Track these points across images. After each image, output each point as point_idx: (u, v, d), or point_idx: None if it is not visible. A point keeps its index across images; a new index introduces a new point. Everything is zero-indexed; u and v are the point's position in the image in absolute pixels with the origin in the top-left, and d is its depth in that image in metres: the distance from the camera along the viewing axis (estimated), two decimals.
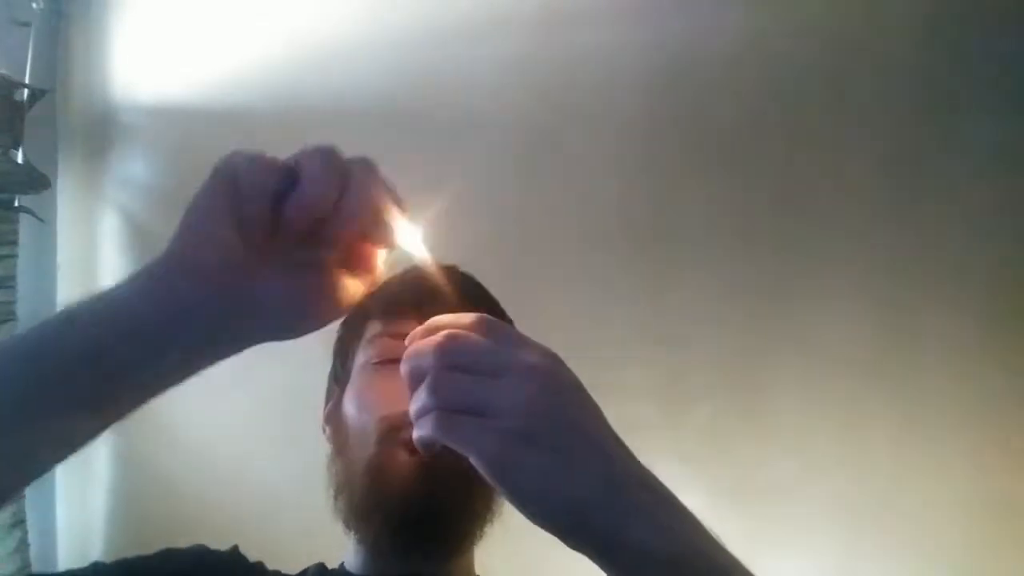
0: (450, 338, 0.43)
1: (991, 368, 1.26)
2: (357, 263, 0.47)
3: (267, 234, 0.43)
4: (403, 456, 0.60)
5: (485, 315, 0.45)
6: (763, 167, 1.36)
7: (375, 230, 0.44)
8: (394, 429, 0.60)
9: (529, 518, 0.41)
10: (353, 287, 0.47)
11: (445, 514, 0.61)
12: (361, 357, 0.69)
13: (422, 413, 0.43)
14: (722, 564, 0.42)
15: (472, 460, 0.41)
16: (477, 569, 0.69)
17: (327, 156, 0.42)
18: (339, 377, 0.72)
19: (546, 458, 0.40)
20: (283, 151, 0.44)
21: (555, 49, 1.40)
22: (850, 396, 1.30)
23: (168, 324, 0.42)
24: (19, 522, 1.41)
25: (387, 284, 0.68)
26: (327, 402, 0.73)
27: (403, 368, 0.45)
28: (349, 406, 0.67)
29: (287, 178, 0.42)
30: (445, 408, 0.41)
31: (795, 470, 1.31)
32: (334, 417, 0.70)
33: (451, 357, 0.42)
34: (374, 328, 0.69)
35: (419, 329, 0.47)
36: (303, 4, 1.50)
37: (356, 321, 0.71)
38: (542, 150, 1.42)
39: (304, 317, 0.46)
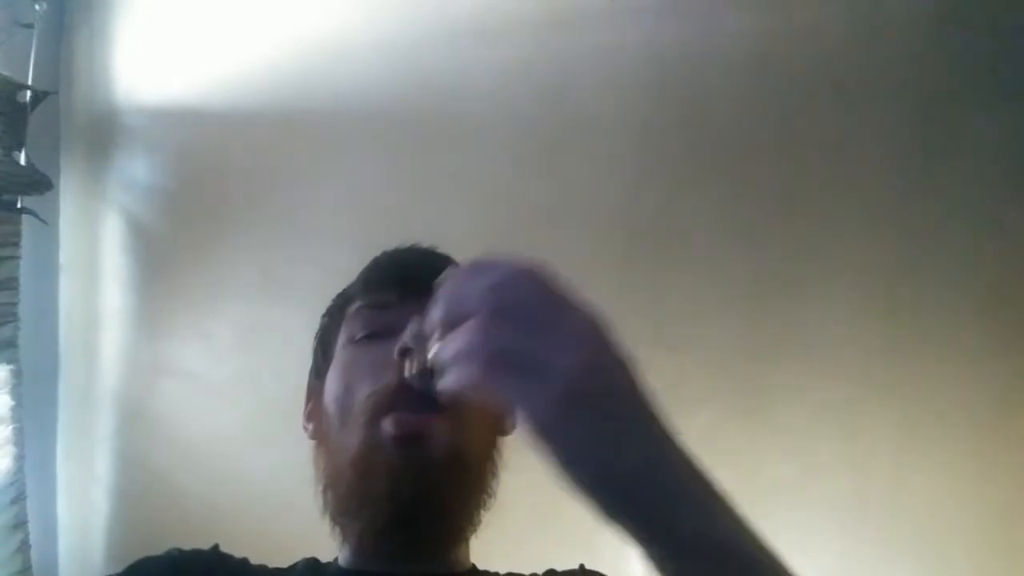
0: (506, 281, 0.39)
1: (992, 370, 1.26)
2: None
3: None
4: (389, 451, 0.56)
5: (537, 263, 0.40)
6: (764, 169, 1.35)
7: None
8: (380, 410, 0.57)
9: (568, 484, 0.38)
10: None
11: (434, 514, 0.58)
12: (343, 336, 0.66)
13: (460, 357, 0.38)
14: (767, 564, 0.40)
15: (518, 416, 0.37)
16: (472, 559, 0.68)
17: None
18: (320, 372, 0.69)
19: (598, 424, 0.37)
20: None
21: (555, 51, 1.41)
22: (852, 398, 1.30)
23: None
24: (21, 523, 1.41)
25: (367, 265, 0.68)
26: (308, 401, 0.70)
27: (437, 304, 0.41)
28: (333, 386, 0.63)
29: None
30: (495, 355, 0.37)
31: (797, 472, 1.30)
32: (316, 411, 0.67)
33: (505, 302, 0.38)
34: (355, 306, 0.66)
35: (456, 269, 0.42)
36: (305, 7, 1.50)
37: (337, 308, 0.70)
38: (542, 151, 1.42)
39: None
